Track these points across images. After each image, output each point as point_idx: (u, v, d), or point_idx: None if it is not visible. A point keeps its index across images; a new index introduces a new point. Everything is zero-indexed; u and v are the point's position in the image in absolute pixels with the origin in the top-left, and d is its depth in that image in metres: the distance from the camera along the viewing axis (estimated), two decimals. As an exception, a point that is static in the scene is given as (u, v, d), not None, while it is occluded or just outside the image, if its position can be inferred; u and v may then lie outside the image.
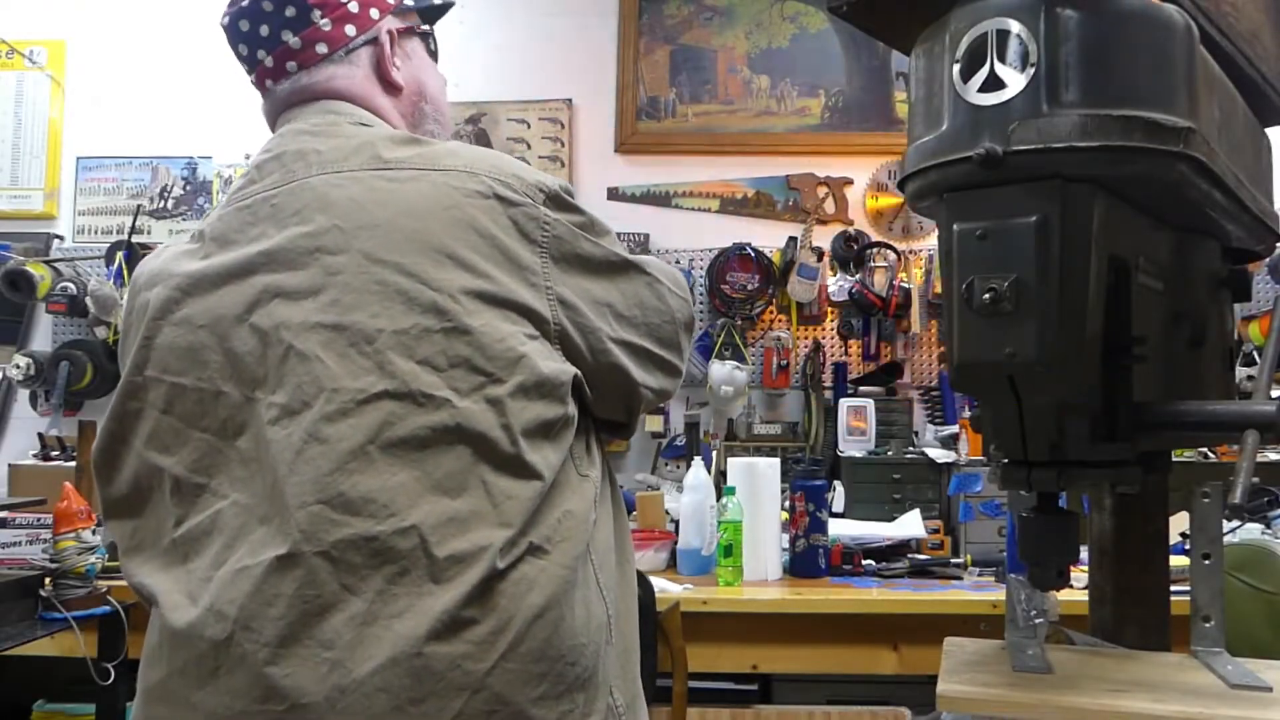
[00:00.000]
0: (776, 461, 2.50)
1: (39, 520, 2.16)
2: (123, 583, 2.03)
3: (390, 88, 1.10)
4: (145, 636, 0.94)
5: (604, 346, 0.98)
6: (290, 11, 1.03)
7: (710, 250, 3.13)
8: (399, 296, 0.89)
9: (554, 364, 0.93)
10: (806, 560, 2.42)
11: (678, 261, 3.15)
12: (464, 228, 0.92)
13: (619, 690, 0.95)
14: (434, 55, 1.18)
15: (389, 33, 1.10)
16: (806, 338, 3.15)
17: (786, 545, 2.46)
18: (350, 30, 1.06)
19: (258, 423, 0.89)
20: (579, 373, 0.96)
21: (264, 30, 1.04)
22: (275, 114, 1.07)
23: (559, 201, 0.98)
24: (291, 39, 1.04)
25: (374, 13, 1.08)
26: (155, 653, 0.91)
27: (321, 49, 1.05)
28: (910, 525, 2.62)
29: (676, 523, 2.59)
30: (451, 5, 1.19)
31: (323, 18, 1.05)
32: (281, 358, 0.89)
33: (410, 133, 1.07)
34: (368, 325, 0.89)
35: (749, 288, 3.06)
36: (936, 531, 2.62)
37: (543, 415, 0.91)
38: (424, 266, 0.90)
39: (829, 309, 3.12)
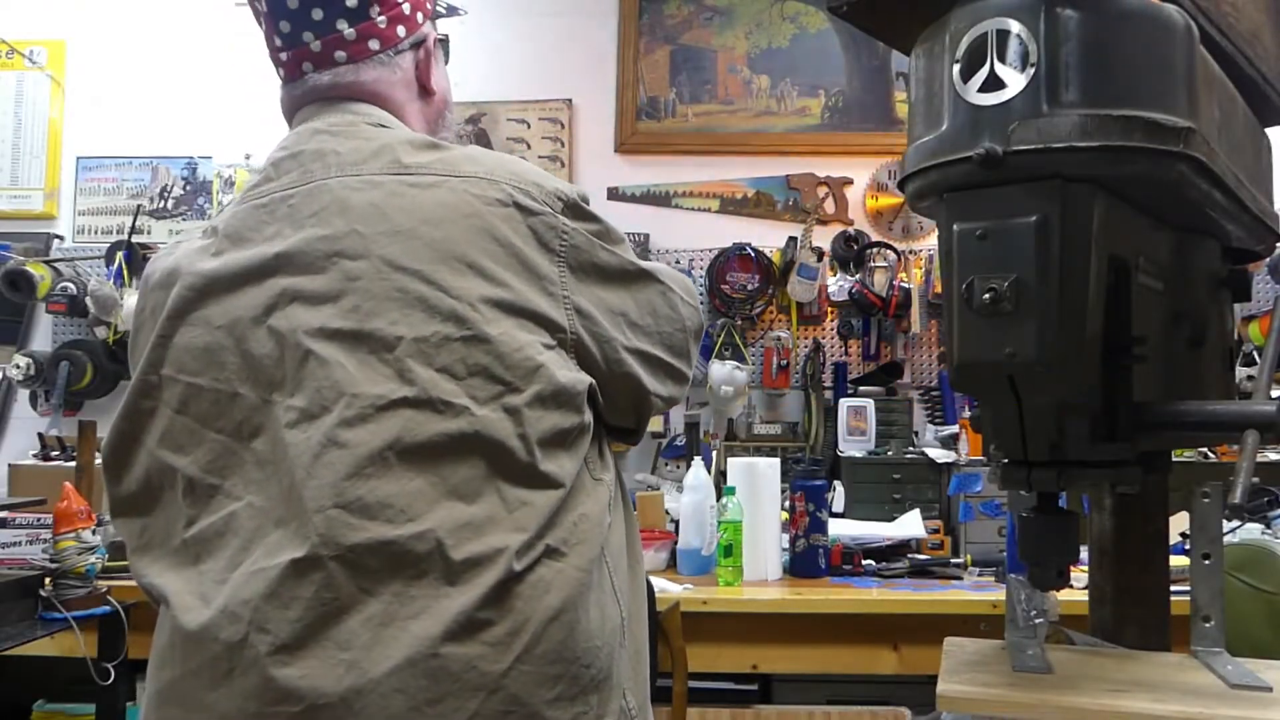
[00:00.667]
0: (776, 461, 2.50)
1: (39, 520, 2.16)
2: (123, 583, 2.07)
3: (425, 93, 1.11)
4: (154, 637, 0.94)
5: (618, 356, 0.98)
6: (351, 2, 1.02)
7: (710, 250, 3.13)
8: (419, 304, 0.89)
9: (570, 373, 0.93)
10: (806, 560, 2.42)
11: (677, 262, 3.16)
12: (484, 236, 0.92)
13: (631, 692, 0.95)
14: (446, 59, 1.19)
15: (434, 39, 1.11)
16: (806, 338, 3.15)
17: (786, 545, 2.46)
18: (401, 31, 1.06)
19: (275, 425, 0.89)
20: (594, 381, 0.96)
21: (317, 14, 1.02)
22: (298, 105, 1.05)
23: (577, 210, 0.98)
24: (347, 29, 1.03)
25: (419, 17, 1.09)
26: (166, 654, 0.90)
27: (374, 45, 1.04)
28: (910, 525, 2.62)
29: (676, 523, 2.59)
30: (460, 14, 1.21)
31: (380, 14, 1.04)
32: (300, 361, 0.89)
33: (429, 137, 1.07)
34: (388, 332, 0.89)
35: (749, 288, 3.06)
36: (936, 531, 2.62)
37: (559, 425, 0.91)
38: (444, 274, 0.90)
39: (829, 309, 3.12)
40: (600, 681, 0.89)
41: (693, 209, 3.24)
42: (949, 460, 2.75)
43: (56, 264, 3.08)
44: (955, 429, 2.89)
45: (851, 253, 3.09)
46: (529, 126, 3.25)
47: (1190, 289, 0.95)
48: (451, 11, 1.18)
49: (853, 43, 3.22)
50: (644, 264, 1.03)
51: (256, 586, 0.85)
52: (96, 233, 3.27)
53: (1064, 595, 0.95)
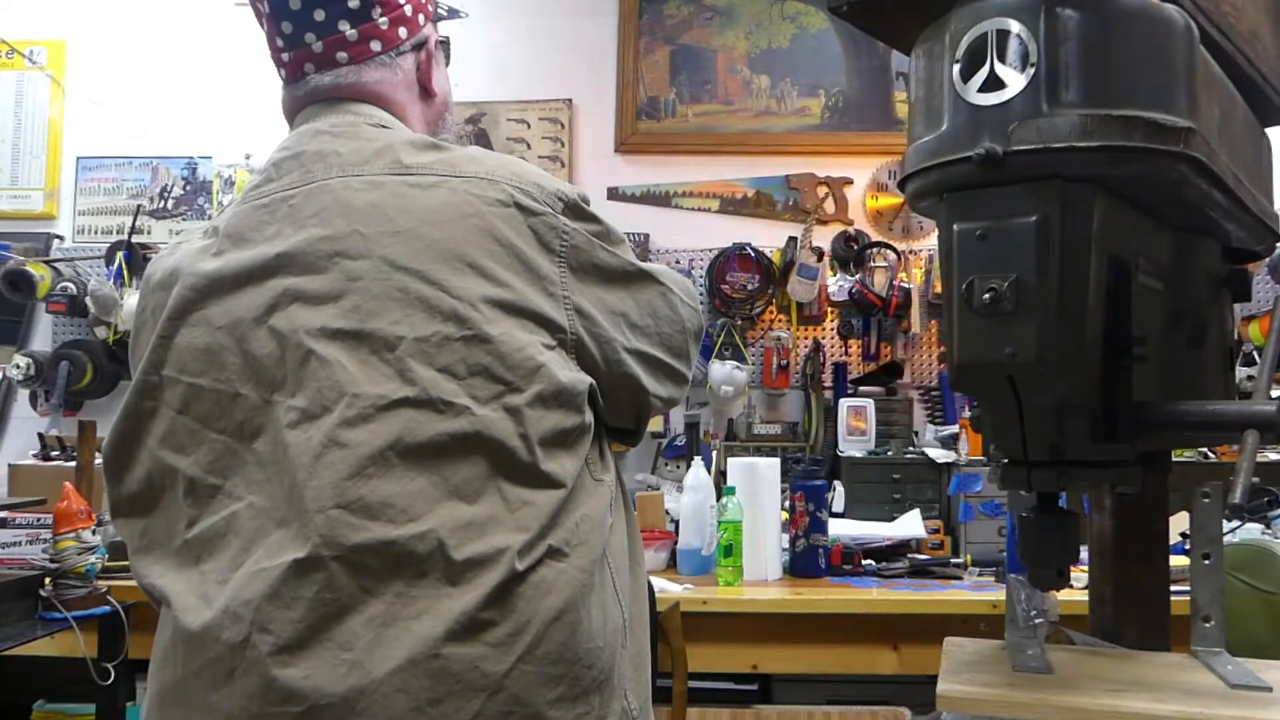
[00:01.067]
0: (776, 461, 2.50)
1: (39, 520, 2.16)
2: (123, 583, 2.07)
3: (426, 94, 1.11)
4: (155, 637, 0.94)
5: (618, 356, 0.98)
6: (353, 3, 1.03)
7: (710, 250, 3.13)
8: (420, 304, 0.89)
9: (571, 373, 0.93)
10: (806, 560, 2.42)
11: (677, 262, 3.16)
12: (485, 236, 0.92)
13: (633, 694, 0.95)
14: (447, 61, 1.19)
15: (435, 41, 1.12)
16: (806, 338, 3.15)
17: (786, 545, 2.46)
18: (403, 33, 1.07)
19: (276, 426, 0.89)
20: (594, 382, 0.96)
21: (319, 15, 1.02)
22: (300, 106, 1.06)
23: (577, 211, 0.98)
24: (349, 30, 1.03)
25: (421, 18, 1.09)
26: (168, 654, 0.90)
27: (375, 46, 1.05)
28: (910, 525, 2.62)
29: (676, 523, 2.59)
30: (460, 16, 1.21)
31: (381, 15, 1.05)
32: (301, 362, 0.89)
33: (430, 137, 1.07)
34: (389, 332, 0.89)
35: (749, 288, 3.06)
36: (936, 531, 2.62)
37: (560, 424, 0.91)
38: (445, 274, 0.90)
39: (829, 309, 3.12)
40: (602, 682, 0.89)
41: (693, 209, 3.24)
42: (949, 460, 2.75)
43: (56, 264, 3.08)
44: (955, 429, 2.89)
45: (851, 253, 3.09)
46: (529, 126, 3.25)
47: (1190, 289, 0.95)
48: (453, 14, 1.18)
49: (853, 43, 3.22)
50: (644, 265, 1.03)
51: (258, 587, 0.84)
52: (96, 233, 3.27)
53: (1064, 595, 0.94)
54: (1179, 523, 1.75)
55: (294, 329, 0.90)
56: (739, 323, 3.09)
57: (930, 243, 3.18)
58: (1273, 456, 2.42)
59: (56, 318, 3.17)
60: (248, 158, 3.19)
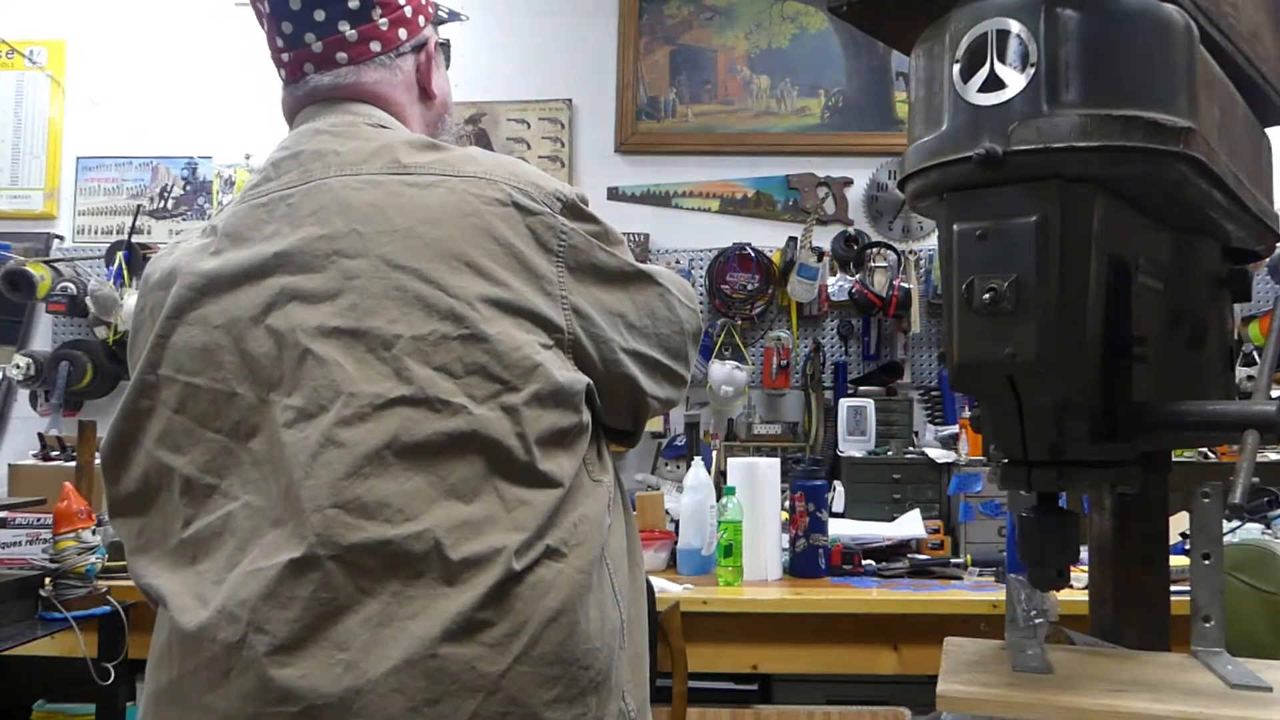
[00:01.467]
0: (776, 461, 2.50)
1: (39, 520, 2.16)
2: (123, 583, 2.07)
3: (426, 96, 1.12)
4: (152, 637, 0.94)
5: (616, 357, 0.98)
6: (353, 4, 1.03)
7: (710, 250, 3.13)
8: (417, 303, 0.89)
9: (568, 373, 0.93)
10: (806, 560, 2.42)
11: (677, 262, 3.16)
12: (483, 235, 0.92)
13: (631, 695, 0.95)
14: (447, 64, 1.19)
15: (435, 43, 1.12)
16: (806, 338, 3.15)
17: (786, 545, 2.46)
18: (403, 34, 1.07)
19: (272, 425, 0.89)
20: (591, 382, 0.96)
21: (319, 15, 1.02)
22: (299, 106, 1.06)
23: (575, 210, 0.98)
24: (348, 31, 1.03)
25: (421, 20, 1.10)
26: (164, 654, 0.90)
27: (375, 47, 1.05)
28: (910, 525, 2.62)
29: (676, 523, 2.59)
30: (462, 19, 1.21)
31: (381, 16, 1.05)
32: (298, 361, 0.89)
33: (428, 138, 1.07)
34: (386, 331, 0.89)
35: (749, 288, 3.06)
36: (936, 531, 2.62)
37: (557, 424, 0.91)
38: (442, 273, 0.90)
39: (829, 309, 3.12)
40: (599, 683, 0.89)
41: (693, 209, 3.24)
42: (949, 460, 2.75)
43: (56, 264, 3.08)
44: (955, 429, 2.89)
45: (851, 253, 3.09)
46: (529, 126, 3.25)
47: (1190, 289, 0.95)
48: (453, 16, 1.18)
49: (853, 43, 3.22)
50: (642, 266, 1.03)
51: (254, 587, 0.84)
52: (96, 233, 3.27)
53: (1064, 595, 0.94)
54: (1179, 523, 1.75)
55: (291, 328, 0.90)
56: (739, 323, 3.09)
57: (930, 243, 3.18)
58: (1273, 456, 2.42)
59: (56, 318, 3.17)
60: (248, 158, 3.19)
